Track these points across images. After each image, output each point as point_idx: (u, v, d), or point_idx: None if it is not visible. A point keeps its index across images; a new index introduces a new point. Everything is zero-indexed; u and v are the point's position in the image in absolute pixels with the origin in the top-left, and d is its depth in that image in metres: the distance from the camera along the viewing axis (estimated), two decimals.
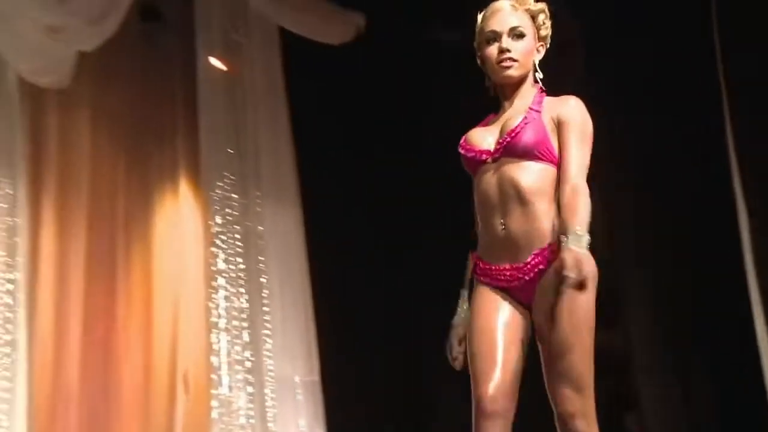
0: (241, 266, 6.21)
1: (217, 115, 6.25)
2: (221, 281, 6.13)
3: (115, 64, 6.21)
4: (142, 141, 6.64)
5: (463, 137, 3.38)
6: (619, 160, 5.84)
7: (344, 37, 6.36)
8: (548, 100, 3.30)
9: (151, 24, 6.33)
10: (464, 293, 3.43)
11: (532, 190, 3.16)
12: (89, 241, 6.23)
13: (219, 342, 6.07)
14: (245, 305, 6.16)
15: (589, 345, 3.12)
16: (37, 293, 5.83)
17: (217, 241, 6.17)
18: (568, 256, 2.90)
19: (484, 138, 3.31)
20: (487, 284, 3.29)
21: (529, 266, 3.16)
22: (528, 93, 3.35)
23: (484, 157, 3.26)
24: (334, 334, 6.36)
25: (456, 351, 3.35)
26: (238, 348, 6.08)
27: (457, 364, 3.36)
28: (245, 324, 6.14)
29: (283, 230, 6.34)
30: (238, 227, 6.25)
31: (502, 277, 3.23)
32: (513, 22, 3.31)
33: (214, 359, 6.01)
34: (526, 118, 3.23)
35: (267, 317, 6.14)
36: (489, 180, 3.24)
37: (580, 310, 3.09)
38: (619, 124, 5.67)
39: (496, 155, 3.23)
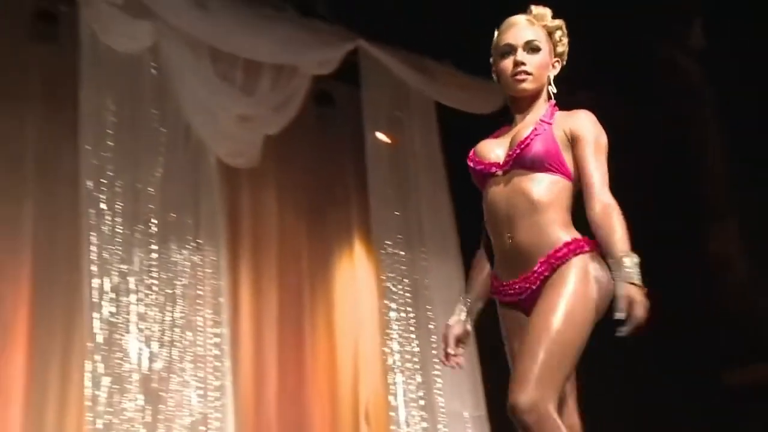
0: (411, 315, 6.36)
1: (383, 182, 6.42)
2: (394, 328, 6.28)
3: (295, 144, 6.42)
4: (321, 209, 6.87)
5: (472, 150, 3.19)
6: None
7: (493, 106, 6.32)
8: (559, 114, 3.08)
9: (325, 107, 6.58)
10: (463, 297, 3.22)
11: (543, 201, 2.97)
12: (280, 297, 6.47)
13: (395, 383, 6.19)
14: (416, 349, 6.28)
15: (573, 342, 2.81)
16: (239, 344, 6.05)
17: (389, 294, 6.34)
18: (621, 298, 2.68)
19: (492, 150, 3.12)
20: (504, 304, 3.06)
21: (535, 275, 2.93)
22: (541, 107, 3.14)
23: (493, 169, 3.06)
24: (496, 372, 6.48)
25: (453, 350, 3.14)
26: (412, 387, 6.20)
27: (453, 363, 3.15)
28: (417, 366, 6.26)
29: (447, 281, 6.40)
30: (406, 280, 6.41)
31: (512, 291, 3.00)
32: (528, 35, 3.13)
33: (391, 398, 6.16)
34: (536, 129, 3.04)
35: (436, 359, 6.02)
36: (499, 193, 3.04)
37: (578, 305, 2.83)
38: None
39: (506, 167, 3.04)
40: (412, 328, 6.35)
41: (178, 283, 5.60)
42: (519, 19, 3.15)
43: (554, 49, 3.15)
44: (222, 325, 5.70)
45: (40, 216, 5.54)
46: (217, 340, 5.64)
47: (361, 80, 6.37)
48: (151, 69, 5.55)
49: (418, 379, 6.23)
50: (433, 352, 6.21)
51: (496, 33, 3.18)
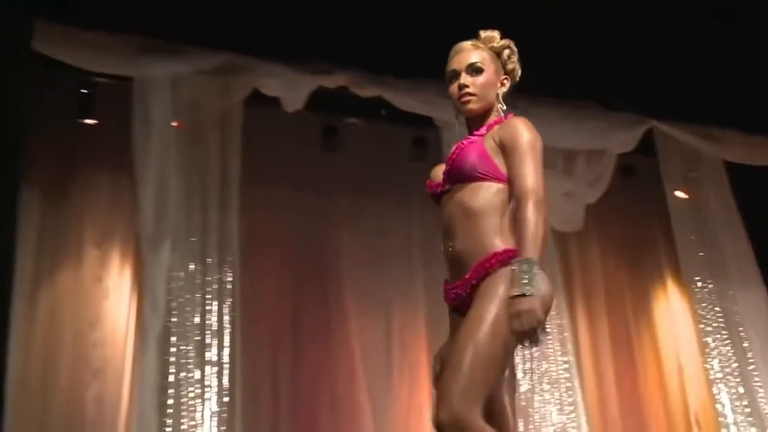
0: (725, 336, 6.28)
1: (686, 230, 6.42)
2: (712, 347, 6.24)
3: (610, 208, 6.47)
4: (636, 257, 7.00)
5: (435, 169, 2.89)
6: None
7: None
8: (497, 126, 2.74)
9: (630, 176, 6.58)
10: None
11: (474, 207, 2.63)
12: (611, 330, 6.69)
13: (719, 393, 6.15)
14: (735, 365, 6.18)
15: (496, 354, 2.43)
16: (583, 369, 6.20)
17: (703, 320, 6.31)
18: (512, 309, 2.38)
19: (440, 172, 2.84)
20: (449, 306, 2.73)
21: (465, 282, 2.58)
22: (484, 124, 2.81)
23: (439, 189, 2.78)
24: None
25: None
26: (735, 397, 6.13)
27: None
28: (738, 379, 6.17)
29: (754, 306, 6.35)
30: (717, 308, 6.33)
31: (451, 295, 2.68)
32: (471, 59, 2.81)
33: (719, 406, 6.13)
34: (463, 143, 2.78)
35: (755, 373, 6.17)
36: (445, 207, 2.74)
37: (503, 315, 2.42)
38: None
39: (445, 185, 2.75)
40: (728, 347, 6.25)
41: None
42: (464, 45, 2.87)
43: (504, 68, 2.87)
44: (569, 354, 5.93)
45: (430, 284, 5.87)
46: (566, 366, 5.87)
47: (657, 152, 6.40)
48: None
49: (740, 390, 6.14)
50: (750, 366, 6.16)
51: None
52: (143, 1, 4.76)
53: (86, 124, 5.37)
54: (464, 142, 2.79)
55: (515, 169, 2.62)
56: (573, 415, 5.83)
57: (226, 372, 5.03)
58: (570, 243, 6.57)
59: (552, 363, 5.93)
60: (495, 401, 2.61)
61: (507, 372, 2.67)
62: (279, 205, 5.89)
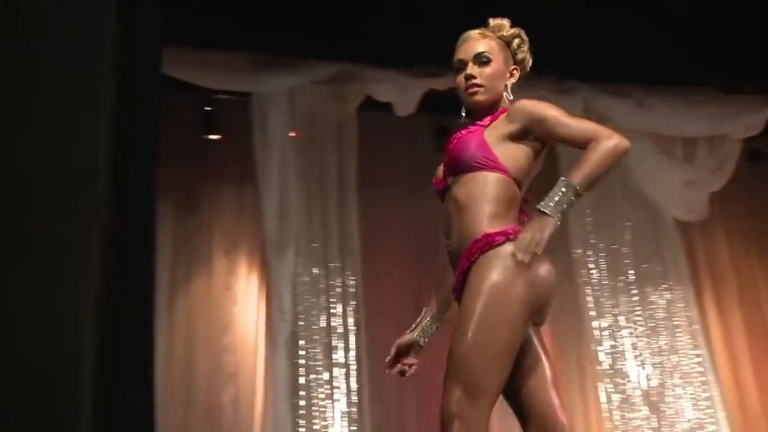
0: None
1: None
2: None
3: (736, 194, 6.27)
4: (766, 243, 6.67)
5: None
6: None
7: None
8: (502, 116, 2.58)
9: (757, 161, 6.33)
10: (425, 309, 2.76)
11: (468, 197, 2.48)
12: (744, 319, 6.39)
13: None
14: None
15: (491, 346, 2.30)
16: (716, 361, 5.96)
17: None
18: (525, 235, 2.29)
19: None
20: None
21: (458, 271, 2.45)
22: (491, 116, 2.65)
23: (441, 185, 2.63)
24: None
25: (390, 357, 2.63)
26: None
27: (395, 371, 2.63)
28: None
29: None
30: None
31: (454, 294, 2.53)
32: (478, 48, 2.66)
33: None
34: (461, 132, 2.62)
35: None
36: (444, 205, 2.60)
37: (493, 303, 2.30)
38: None
39: (447, 179, 2.60)
40: None
41: (658, 317, 5.77)
42: (471, 34, 2.73)
43: (514, 58, 2.73)
44: (700, 347, 5.74)
45: None
46: (699, 359, 5.70)
47: None
48: None
49: None
50: None
51: None
52: (257, 21, 4.84)
53: (210, 139, 5.52)
54: (463, 132, 2.63)
55: (563, 128, 2.51)
56: (710, 410, 5.64)
57: (353, 373, 5.11)
58: (695, 232, 6.35)
59: (683, 356, 5.75)
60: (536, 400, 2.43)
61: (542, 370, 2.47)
62: (395, 206, 5.91)
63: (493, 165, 2.50)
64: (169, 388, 5.00)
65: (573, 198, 2.38)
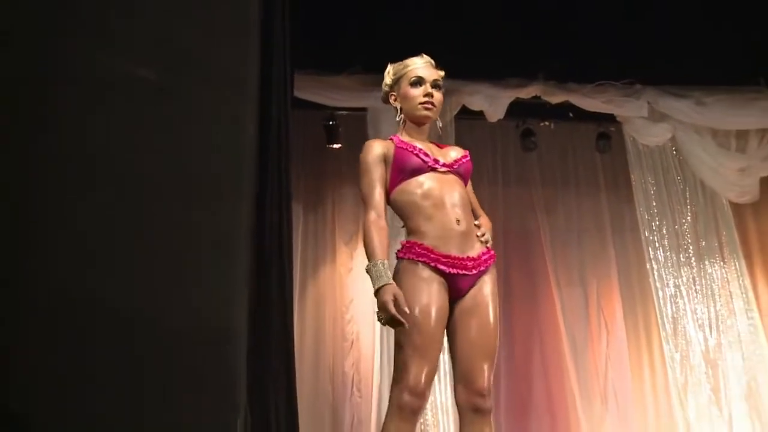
0: None
1: None
2: None
3: None
4: None
5: (404, 143, 2.53)
6: None
7: None
8: (468, 159, 2.61)
9: None
10: (382, 262, 2.34)
11: (468, 206, 2.51)
12: None
13: None
14: None
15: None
16: (765, 323, 5.51)
17: None
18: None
19: (431, 151, 2.55)
20: (455, 273, 2.38)
21: (482, 262, 2.43)
22: (427, 132, 2.64)
23: (436, 166, 2.51)
24: None
25: (407, 309, 2.28)
26: None
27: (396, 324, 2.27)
28: None
29: None
30: None
31: (473, 269, 2.41)
32: (436, 75, 2.62)
33: None
34: (466, 156, 2.61)
35: None
36: (441, 182, 2.48)
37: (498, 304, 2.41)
38: None
39: (440, 165, 2.52)
40: None
41: (715, 286, 5.49)
42: (427, 60, 2.65)
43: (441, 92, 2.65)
44: (752, 311, 5.44)
45: (619, 255, 5.75)
46: (751, 321, 5.41)
47: None
48: (672, 151, 5.61)
49: None
50: None
51: (394, 67, 2.67)
52: (367, 46, 4.80)
53: (332, 148, 5.46)
54: (461, 150, 2.64)
55: (473, 197, 2.64)
56: (761, 365, 5.28)
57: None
58: (747, 213, 5.93)
59: (737, 319, 5.43)
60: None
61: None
62: (487, 198, 5.72)
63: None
64: (302, 354, 4.94)
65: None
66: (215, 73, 1.82)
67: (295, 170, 5.12)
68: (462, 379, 2.32)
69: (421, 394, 2.25)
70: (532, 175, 5.83)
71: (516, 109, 5.31)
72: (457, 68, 4.92)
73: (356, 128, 5.17)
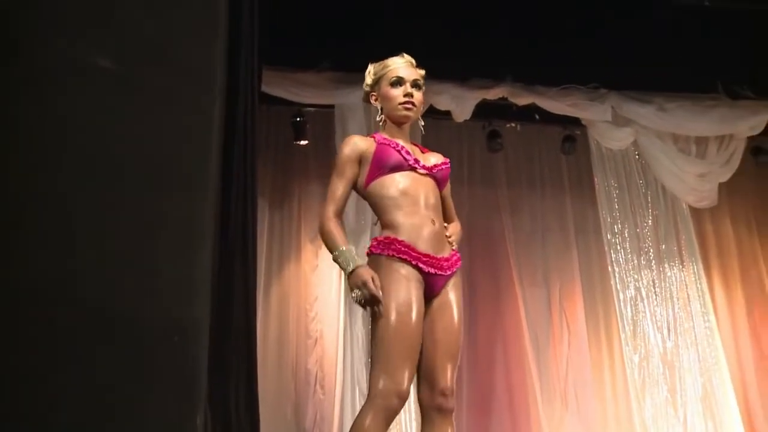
0: None
1: None
2: None
3: (741, 185, 5.94)
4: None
5: (389, 140, 2.53)
6: None
7: None
8: (447, 165, 2.63)
9: (759, 155, 5.92)
10: (348, 247, 2.39)
11: (440, 211, 2.53)
12: (745, 293, 5.92)
13: None
14: None
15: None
16: (721, 326, 5.66)
17: None
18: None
19: (412, 150, 2.56)
20: (429, 272, 2.38)
21: (453, 264, 2.46)
22: (408, 132, 2.63)
23: (416, 165, 2.52)
24: None
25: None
26: None
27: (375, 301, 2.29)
28: None
29: None
30: None
31: (448, 269, 2.43)
32: (416, 75, 2.62)
33: None
34: (446, 163, 2.62)
35: None
36: (419, 183, 2.49)
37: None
38: None
39: (420, 166, 2.53)
40: None
41: (673, 289, 5.59)
42: (407, 60, 2.65)
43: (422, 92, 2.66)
44: (708, 314, 5.52)
45: (582, 256, 5.83)
46: (708, 324, 5.50)
47: None
48: (635, 155, 5.73)
49: None
50: None
51: (375, 66, 2.66)
52: (337, 43, 4.79)
53: (300, 145, 5.45)
54: (442, 157, 2.64)
55: (450, 203, 2.69)
56: (715, 367, 5.41)
57: None
58: (705, 218, 6.07)
59: (693, 321, 5.53)
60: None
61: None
62: (452, 199, 5.81)
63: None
64: (266, 350, 4.94)
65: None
66: (180, 65, 1.80)
67: (262, 166, 5.13)
68: (425, 379, 2.33)
69: (406, 396, 2.25)
70: (497, 175, 5.90)
71: (483, 110, 5.36)
72: (425, 68, 4.94)
73: (324, 125, 5.17)
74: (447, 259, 2.44)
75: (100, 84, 1.69)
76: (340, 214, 2.50)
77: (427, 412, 2.32)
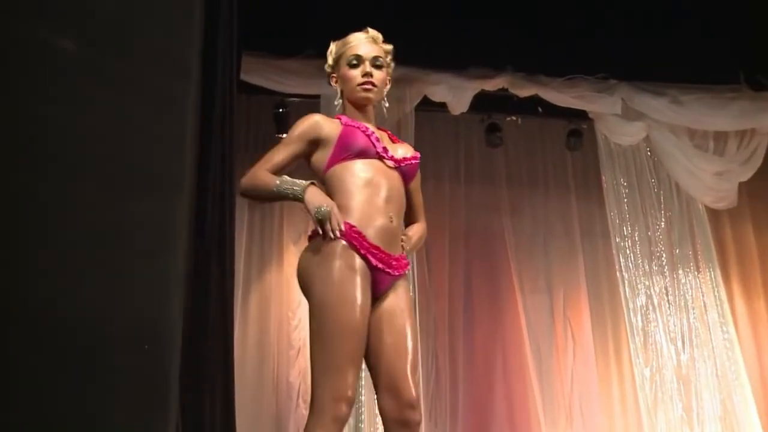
0: None
1: None
2: None
3: (763, 185, 5.97)
4: None
5: (358, 122, 2.53)
6: None
7: None
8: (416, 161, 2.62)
9: None
10: (304, 182, 2.40)
11: (403, 207, 2.53)
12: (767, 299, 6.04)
13: None
14: None
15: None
16: (741, 337, 5.67)
17: None
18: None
19: (380, 139, 2.53)
20: (379, 270, 2.37)
21: (403, 266, 2.46)
22: (372, 116, 2.61)
23: (385, 155, 2.50)
24: None
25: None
26: None
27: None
28: None
29: None
30: None
31: (398, 269, 2.43)
32: (376, 51, 2.59)
33: None
34: (416, 158, 2.60)
35: None
36: (383, 174, 2.47)
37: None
38: None
39: (389, 156, 2.51)
40: None
41: (688, 297, 5.61)
42: (367, 37, 2.62)
43: (387, 69, 2.64)
44: (727, 324, 5.55)
45: (588, 261, 5.88)
46: (727, 336, 5.52)
47: None
48: (647, 151, 5.77)
49: None
50: None
51: (335, 45, 2.66)
52: (325, 29, 4.80)
53: (282, 138, 5.47)
54: (412, 150, 2.64)
55: (419, 197, 2.68)
56: (736, 383, 5.44)
57: None
58: (724, 220, 6.13)
59: (711, 332, 5.55)
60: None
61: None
62: (448, 199, 5.82)
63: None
64: (244, 361, 4.97)
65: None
66: (150, 51, 1.80)
67: (241, 161, 5.10)
68: (387, 390, 2.30)
69: (354, 401, 2.24)
70: (497, 173, 5.95)
71: (481, 101, 5.39)
72: (420, 56, 5.03)
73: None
74: (397, 259, 2.43)
75: (61, 70, 1.67)
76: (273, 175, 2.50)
77: (392, 426, 2.28)
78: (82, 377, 1.63)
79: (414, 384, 2.29)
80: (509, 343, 5.68)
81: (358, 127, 2.51)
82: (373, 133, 2.54)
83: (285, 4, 4.76)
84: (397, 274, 2.42)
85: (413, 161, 2.59)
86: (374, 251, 2.37)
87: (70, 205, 1.67)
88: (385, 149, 2.52)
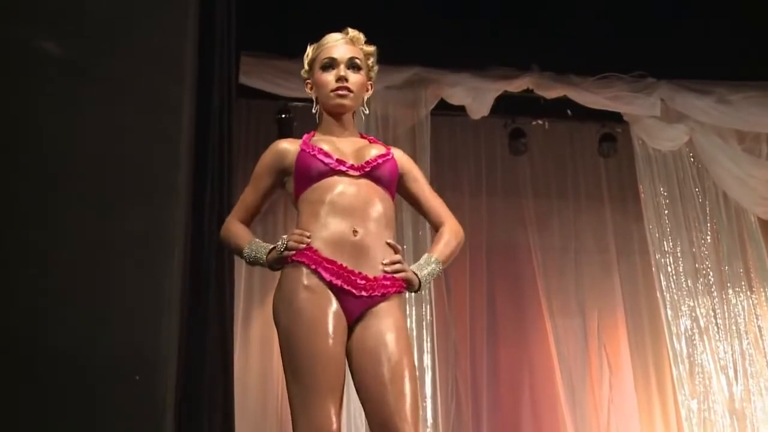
0: None
1: None
2: None
3: None
4: None
5: (312, 145, 2.52)
6: None
7: None
8: (393, 150, 2.63)
9: None
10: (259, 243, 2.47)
11: (387, 218, 2.49)
12: None
13: None
14: None
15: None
16: None
17: None
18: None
19: (338, 150, 2.52)
20: (342, 288, 2.35)
21: (383, 286, 2.40)
22: (350, 124, 2.63)
23: (342, 168, 2.48)
24: None
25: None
26: None
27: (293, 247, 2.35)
28: None
29: None
30: None
31: (363, 288, 2.37)
32: (351, 53, 2.60)
33: None
34: (387, 154, 2.58)
35: None
36: (345, 187, 2.46)
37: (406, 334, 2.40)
38: None
39: (348, 167, 2.49)
40: None
41: (740, 320, 5.57)
42: (341, 37, 2.65)
43: (368, 73, 2.67)
44: None
45: (625, 281, 5.90)
46: None
47: None
48: (689, 157, 5.77)
49: None
50: None
51: (310, 48, 2.69)
52: (328, 25, 4.83)
53: None
54: (382, 148, 2.62)
55: (428, 193, 2.66)
56: None
57: (428, 376, 5.11)
58: None
59: None
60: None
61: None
62: (468, 212, 5.80)
63: (392, 193, 2.59)
64: (246, 387, 5.01)
65: (439, 271, 2.55)
66: (144, 51, 1.83)
67: (241, 171, 5.17)
68: (382, 430, 2.27)
69: None
70: (522, 183, 5.97)
71: (504, 104, 5.42)
72: (435, 55, 5.06)
73: (313, 122, 5.17)
74: (368, 279, 2.38)
75: (49, 73, 1.71)
76: (246, 223, 2.58)
77: None
78: (64, 409, 1.66)
79: (413, 416, 2.26)
80: (537, 371, 5.71)
81: (309, 152, 2.52)
82: (321, 149, 2.53)
83: (286, 2, 4.81)
84: (365, 295, 2.37)
85: (379, 161, 2.56)
86: (327, 265, 2.37)
87: (52, 216, 1.70)
88: (340, 161, 2.52)
